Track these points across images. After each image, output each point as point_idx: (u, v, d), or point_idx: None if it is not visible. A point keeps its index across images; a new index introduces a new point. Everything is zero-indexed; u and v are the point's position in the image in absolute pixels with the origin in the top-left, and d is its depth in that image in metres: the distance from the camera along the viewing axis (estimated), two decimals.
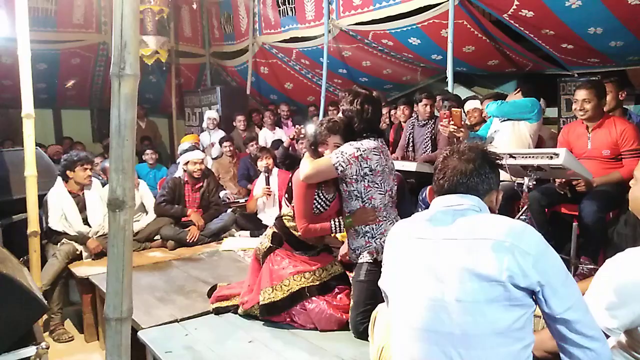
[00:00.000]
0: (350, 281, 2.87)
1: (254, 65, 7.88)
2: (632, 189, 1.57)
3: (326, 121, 2.62)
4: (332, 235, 3.37)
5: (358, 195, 2.48)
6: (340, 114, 2.60)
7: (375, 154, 2.44)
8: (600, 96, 3.14)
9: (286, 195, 2.72)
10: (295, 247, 2.71)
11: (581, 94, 3.14)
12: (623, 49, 4.55)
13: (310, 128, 5.51)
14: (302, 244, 2.71)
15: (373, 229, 2.50)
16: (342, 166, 2.40)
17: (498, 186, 1.51)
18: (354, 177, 2.45)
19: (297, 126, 5.05)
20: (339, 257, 3.37)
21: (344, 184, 2.53)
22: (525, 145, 3.58)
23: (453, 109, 3.51)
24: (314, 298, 2.54)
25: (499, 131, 3.71)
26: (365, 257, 2.48)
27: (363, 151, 2.41)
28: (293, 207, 2.65)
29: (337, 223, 2.53)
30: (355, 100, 2.49)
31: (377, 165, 2.44)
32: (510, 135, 3.63)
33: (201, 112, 8.04)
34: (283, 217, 2.73)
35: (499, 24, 5.03)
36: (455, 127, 3.40)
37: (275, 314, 2.55)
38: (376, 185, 2.47)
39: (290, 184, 2.68)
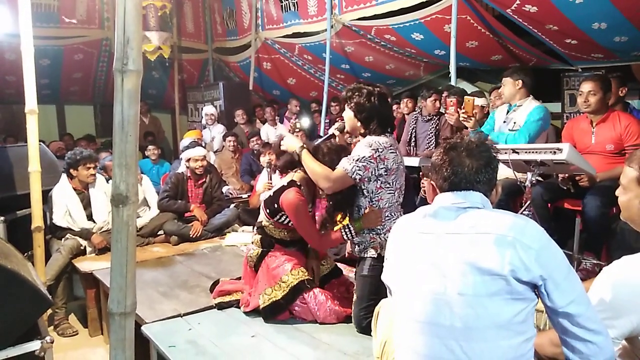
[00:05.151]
0: (344, 274, 2.91)
1: (256, 60, 7.87)
2: (620, 198, 1.49)
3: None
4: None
5: (367, 194, 2.45)
6: (350, 111, 2.49)
7: (392, 152, 2.39)
8: (605, 90, 3.12)
9: (267, 210, 2.67)
10: (286, 245, 2.72)
11: (587, 87, 3.13)
12: (627, 44, 4.52)
13: (305, 122, 5.47)
14: (292, 241, 2.73)
15: (378, 227, 2.49)
16: (359, 174, 2.34)
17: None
18: (368, 177, 2.40)
19: (291, 120, 5.03)
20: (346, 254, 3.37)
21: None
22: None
23: (466, 96, 3.47)
24: (314, 290, 2.55)
25: (507, 122, 3.52)
26: (369, 252, 2.48)
27: (381, 152, 2.35)
28: (275, 221, 2.65)
29: (348, 230, 2.50)
30: (372, 97, 2.43)
31: (392, 164, 2.39)
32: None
33: (204, 107, 8.05)
34: (265, 228, 2.73)
35: (502, 18, 5.00)
36: (466, 116, 3.33)
37: (278, 314, 2.55)
38: (387, 185, 2.43)
39: (273, 204, 2.61)
